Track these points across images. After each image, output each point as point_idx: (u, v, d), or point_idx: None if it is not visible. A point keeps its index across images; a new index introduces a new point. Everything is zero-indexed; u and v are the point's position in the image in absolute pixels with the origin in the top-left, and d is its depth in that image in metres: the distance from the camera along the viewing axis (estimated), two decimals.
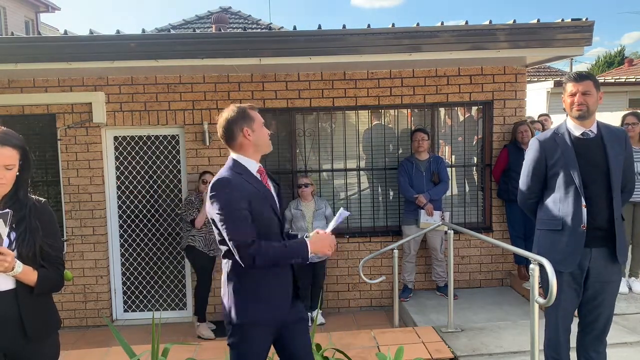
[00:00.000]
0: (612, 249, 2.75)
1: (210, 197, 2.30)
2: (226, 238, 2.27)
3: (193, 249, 5.13)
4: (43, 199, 2.25)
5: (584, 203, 2.71)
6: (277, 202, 2.46)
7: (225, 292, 2.41)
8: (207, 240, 5.13)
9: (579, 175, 2.72)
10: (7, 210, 2.00)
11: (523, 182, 3.01)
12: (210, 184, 2.33)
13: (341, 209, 2.53)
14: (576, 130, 2.80)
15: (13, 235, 2.08)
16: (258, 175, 2.42)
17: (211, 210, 2.31)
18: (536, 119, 7.55)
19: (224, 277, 2.43)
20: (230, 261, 2.36)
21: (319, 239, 2.34)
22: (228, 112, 2.42)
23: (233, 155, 2.43)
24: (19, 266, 2.03)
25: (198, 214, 5.07)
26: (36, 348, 2.15)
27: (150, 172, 5.72)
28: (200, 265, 5.18)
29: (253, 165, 2.42)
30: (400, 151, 5.81)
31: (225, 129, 2.41)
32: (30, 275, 2.08)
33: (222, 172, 2.37)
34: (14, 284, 2.08)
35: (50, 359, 2.24)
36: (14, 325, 2.07)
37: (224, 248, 2.37)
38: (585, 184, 2.72)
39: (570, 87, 2.76)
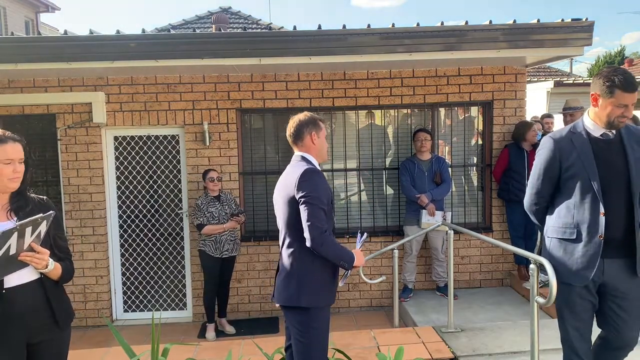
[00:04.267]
0: (630, 260, 2.52)
1: (300, 182, 2.57)
2: (305, 217, 2.54)
3: (203, 252, 5.14)
4: (45, 197, 2.35)
5: (602, 211, 2.47)
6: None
7: (293, 282, 2.64)
8: (218, 242, 5.11)
9: (597, 180, 2.48)
10: (51, 212, 2.13)
11: (532, 184, 2.73)
12: (301, 173, 2.59)
13: (358, 232, 2.96)
14: (596, 131, 2.55)
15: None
16: None
17: (297, 193, 2.57)
18: (539, 118, 7.54)
19: (288, 267, 2.67)
20: (297, 253, 2.64)
21: (358, 254, 2.69)
22: (301, 115, 2.76)
23: (301, 153, 2.74)
24: (52, 263, 2.16)
25: (204, 218, 5.04)
26: (60, 335, 2.30)
27: (150, 172, 5.72)
28: (208, 267, 5.17)
29: (318, 166, 2.75)
30: (400, 151, 5.81)
31: (295, 129, 2.74)
32: (57, 270, 2.22)
33: (304, 165, 2.66)
34: (38, 273, 2.19)
35: (67, 346, 2.38)
36: (45, 312, 2.21)
37: (288, 239, 2.67)
38: (604, 189, 2.48)
39: (621, 97, 2.43)
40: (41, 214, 2.06)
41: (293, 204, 2.62)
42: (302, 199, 2.56)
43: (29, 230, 2.00)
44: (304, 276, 2.63)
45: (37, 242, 2.10)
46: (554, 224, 2.66)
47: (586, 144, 2.54)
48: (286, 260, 2.70)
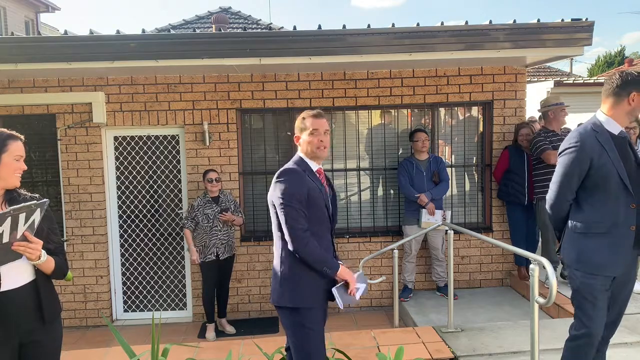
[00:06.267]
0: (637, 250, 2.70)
1: (275, 183, 2.62)
2: (282, 221, 2.56)
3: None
4: (37, 195, 2.38)
5: (633, 203, 2.60)
6: (330, 203, 2.75)
7: (280, 282, 2.64)
8: (205, 247, 5.09)
9: (626, 175, 2.60)
10: (45, 200, 2.13)
11: (560, 181, 2.72)
12: (276, 174, 2.63)
13: (360, 273, 2.80)
14: (615, 129, 2.69)
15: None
16: (317, 175, 2.72)
17: (273, 194, 2.62)
18: (537, 117, 7.51)
19: (276, 267, 2.68)
20: (283, 253, 2.64)
21: (347, 271, 2.64)
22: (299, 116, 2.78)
23: (299, 153, 2.76)
24: (44, 255, 2.17)
25: (190, 222, 5.08)
26: (49, 329, 2.32)
27: (150, 172, 5.72)
28: (204, 270, 5.19)
29: (314, 166, 2.73)
30: (400, 151, 5.81)
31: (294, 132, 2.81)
32: (50, 263, 2.23)
33: (289, 164, 2.70)
34: (33, 275, 2.23)
35: (59, 338, 2.41)
36: (35, 312, 2.24)
37: (278, 235, 2.66)
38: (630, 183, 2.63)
39: None
40: (35, 201, 2.06)
41: (274, 205, 2.64)
42: (276, 203, 2.58)
43: (22, 218, 1.99)
44: (289, 276, 2.63)
45: (31, 232, 2.09)
46: (585, 220, 2.69)
47: (611, 142, 2.66)
48: (275, 260, 2.73)
